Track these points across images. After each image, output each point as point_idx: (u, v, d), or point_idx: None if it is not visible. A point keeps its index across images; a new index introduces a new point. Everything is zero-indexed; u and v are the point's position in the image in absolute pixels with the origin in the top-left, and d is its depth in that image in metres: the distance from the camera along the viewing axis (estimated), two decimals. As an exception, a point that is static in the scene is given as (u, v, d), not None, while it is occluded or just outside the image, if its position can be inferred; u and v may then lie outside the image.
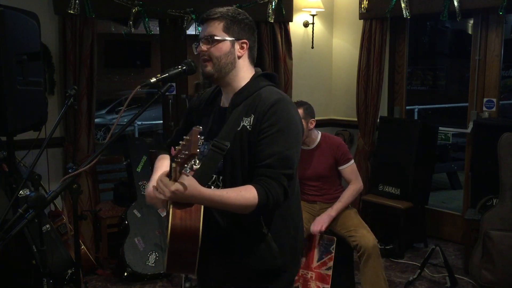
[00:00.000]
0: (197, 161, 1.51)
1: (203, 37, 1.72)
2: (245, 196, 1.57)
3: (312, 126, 3.23)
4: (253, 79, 1.76)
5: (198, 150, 1.45)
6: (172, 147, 1.52)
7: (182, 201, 1.54)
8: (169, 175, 1.58)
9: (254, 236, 1.71)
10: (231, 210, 1.61)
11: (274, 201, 1.60)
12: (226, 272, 1.77)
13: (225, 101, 1.80)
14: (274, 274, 1.76)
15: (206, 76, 1.74)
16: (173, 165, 1.49)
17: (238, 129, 1.68)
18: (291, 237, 1.78)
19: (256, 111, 1.66)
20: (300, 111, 3.14)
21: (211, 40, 1.70)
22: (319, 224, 3.16)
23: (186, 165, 1.50)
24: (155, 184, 1.64)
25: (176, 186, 1.48)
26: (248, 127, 1.66)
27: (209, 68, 1.71)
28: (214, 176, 1.71)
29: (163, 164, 1.85)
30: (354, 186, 3.28)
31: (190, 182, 1.50)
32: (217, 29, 1.70)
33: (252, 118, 1.66)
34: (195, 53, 1.77)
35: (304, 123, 3.15)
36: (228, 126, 1.70)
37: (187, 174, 1.51)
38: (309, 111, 3.21)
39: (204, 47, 1.71)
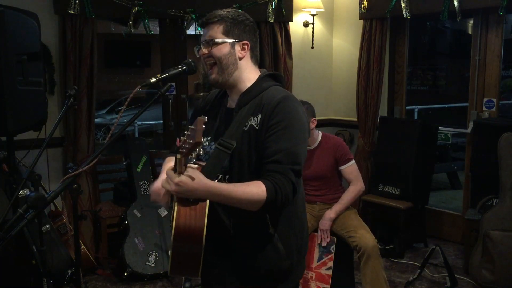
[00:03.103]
0: (201, 150, 1.50)
1: (203, 41, 1.73)
2: (253, 191, 1.55)
3: (313, 126, 3.24)
4: (259, 79, 1.76)
5: (203, 139, 1.44)
6: (178, 139, 1.51)
7: (186, 195, 1.52)
8: (174, 168, 1.56)
9: (261, 237, 1.69)
10: (238, 205, 1.58)
11: (283, 197, 1.57)
12: (231, 274, 1.76)
13: (231, 102, 1.80)
14: (280, 276, 1.74)
15: (213, 84, 1.76)
16: (178, 156, 1.47)
17: (245, 128, 1.67)
18: (297, 238, 1.77)
19: (262, 110, 1.67)
20: None
21: (211, 43, 1.71)
22: (326, 234, 3.18)
23: (191, 155, 1.49)
24: (160, 183, 1.64)
25: (180, 178, 1.47)
26: (255, 126, 1.66)
27: (214, 75, 1.73)
28: (220, 175, 1.70)
29: (169, 164, 1.85)
30: (354, 187, 3.28)
31: (195, 175, 1.48)
32: (217, 32, 1.71)
33: (259, 117, 1.67)
34: (197, 56, 1.77)
35: None
36: (234, 125, 1.70)
37: (193, 167, 1.50)
38: (310, 111, 3.22)
39: (204, 50, 1.72)
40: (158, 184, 1.69)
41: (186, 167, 1.50)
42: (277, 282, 1.74)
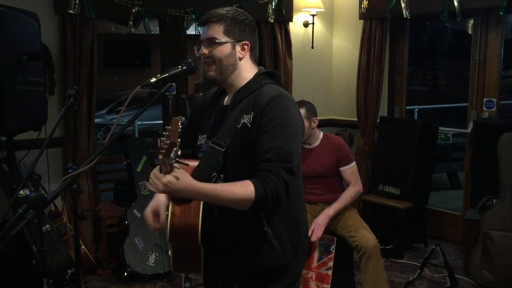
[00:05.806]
0: (179, 151, 1.50)
1: (204, 40, 1.72)
2: (241, 190, 1.55)
3: (315, 125, 3.25)
4: (255, 77, 1.76)
5: (179, 139, 1.44)
6: (158, 139, 1.52)
7: (174, 195, 1.55)
8: (160, 168, 1.57)
9: (256, 235, 1.70)
10: (227, 205, 1.59)
11: (274, 195, 1.56)
12: (231, 272, 1.77)
13: (228, 100, 1.80)
14: (277, 272, 1.75)
15: (210, 80, 1.76)
16: (160, 157, 1.48)
17: (239, 126, 1.68)
18: (290, 235, 1.76)
19: (255, 108, 1.67)
20: (303, 110, 3.13)
21: (212, 43, 1.70)
22: (319, 229, 3.14)
23: (170, 155, 1.48)
24: (149, 210, 1.76)
25: (167, 178, 1.49)
26: (248, 124, 1.66)
27: (211, 72, 1.73)
28: (215, 174, 1.71)
29: None
30: (354, 189, 3.28)
31: (181, 175, 1.50)
32: (218, 32, 1.70)
33: (251, 115, 1.67)
34: (197, 56, 1.77)
35: (307, 122, 3.14)
36: (228, 123, 1.70)
37: (178, 167, 1.50)
38: (312, 110, 3.23)
39: (205, 50, 1.71)
40: (150, 209, 1.78)
41: (171, 166, 1.50)
42: (275, 279, 1.76)
